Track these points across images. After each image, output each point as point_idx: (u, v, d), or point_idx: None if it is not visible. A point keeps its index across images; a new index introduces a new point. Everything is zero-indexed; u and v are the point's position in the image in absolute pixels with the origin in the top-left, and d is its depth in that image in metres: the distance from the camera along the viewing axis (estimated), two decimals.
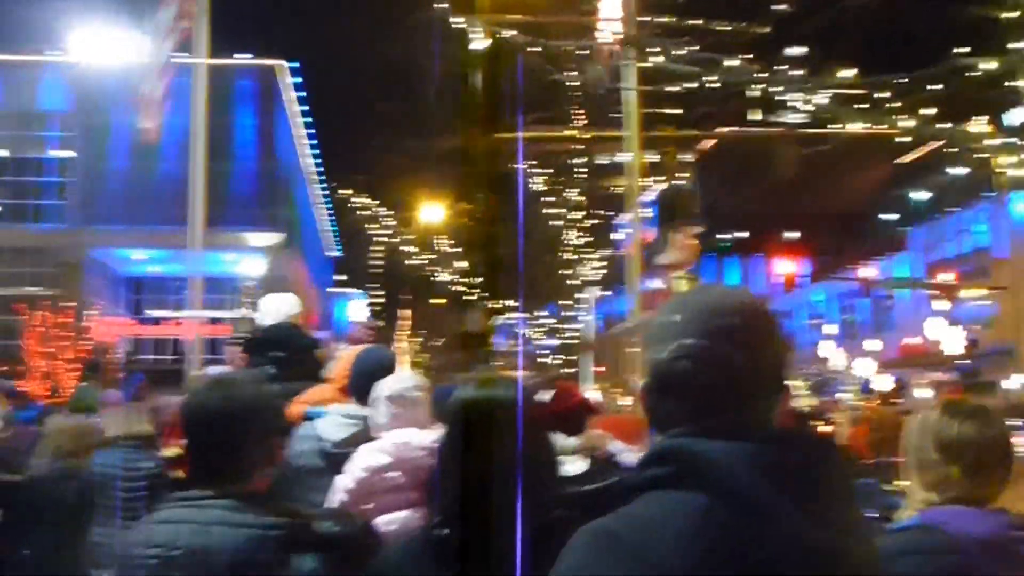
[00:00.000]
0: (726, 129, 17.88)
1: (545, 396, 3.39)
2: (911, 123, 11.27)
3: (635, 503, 1.50)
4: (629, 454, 3.94)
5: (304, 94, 45.69)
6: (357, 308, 53.66)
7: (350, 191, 31.89)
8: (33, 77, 38.56)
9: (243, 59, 40.14)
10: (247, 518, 2.17)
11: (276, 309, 5.60)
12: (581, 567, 1.47)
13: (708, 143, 18.50)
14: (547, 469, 2.59)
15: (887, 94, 11.31)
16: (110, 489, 5.27)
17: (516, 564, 2.21)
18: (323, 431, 4.06)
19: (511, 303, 29.59)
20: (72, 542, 5.22)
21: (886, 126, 11.91)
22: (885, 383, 19.30)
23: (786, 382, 1.60)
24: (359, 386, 4.23)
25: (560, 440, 3.24)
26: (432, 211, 33.75)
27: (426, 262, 31.40)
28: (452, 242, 31.25)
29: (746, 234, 54.20)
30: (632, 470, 1.58)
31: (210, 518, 2.17)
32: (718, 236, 49.86)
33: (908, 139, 13.23)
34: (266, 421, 2.39)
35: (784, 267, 41.53)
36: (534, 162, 27.83)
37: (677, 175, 16.40)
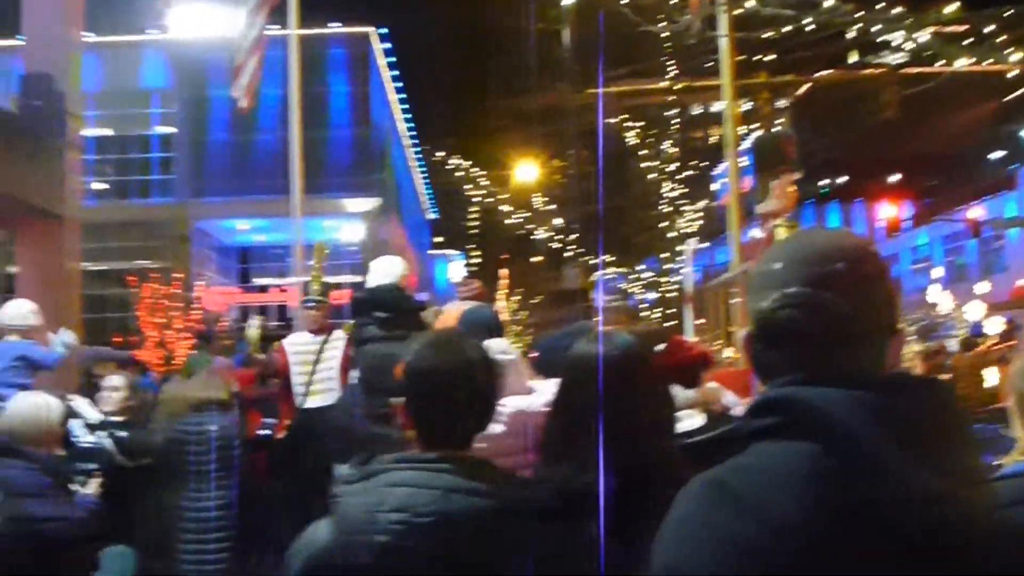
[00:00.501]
0: (823, 72, 17.45)
1: (660, 349, 3.36)
2: (1019, 56, 10.78)
3: (744, 453, 1.49)
4: (744, 408, 3.85)
5: (395, 59, 45.94)
6: (456, 269, 54.18)
7: (444, 153, 32.04)
8: (134, 56, 39.39)
9: (334, 28, 40.48)
10: (481, 485, 2.10)
11: (382, 271, 5.75)
12: (692, 517, 1.47)
13: (804, 88, 18.08)
14: (666, 421, 2.60)
15: (993, 27, 10.84)
16: (201, 454, 5.48)
17: (627, 514, 2.24)
18: None
19: (609, 258, 29.48)
20: (178, 503, 5.45)
21: (993, 61, 11.43)
22: (995, 326, 18.70)
23: (897, 326, 1.55)
24: None
25: (676, 393, 3.23)
26: (526, 169, 33.70)
27: (522, 220, 31.43)
28: (547, 199, 31.22)
29: (846, 179, 52.99)
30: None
31: (446, 483, 2.07)
32: (817, 182, 48.87)
33: (1016, 73, 12.72)
34: (490, 382, 2.34)
35: (886, 211, 40.26)
36: (627, 116, 27.60)
37: (773, 122, 16.09)
